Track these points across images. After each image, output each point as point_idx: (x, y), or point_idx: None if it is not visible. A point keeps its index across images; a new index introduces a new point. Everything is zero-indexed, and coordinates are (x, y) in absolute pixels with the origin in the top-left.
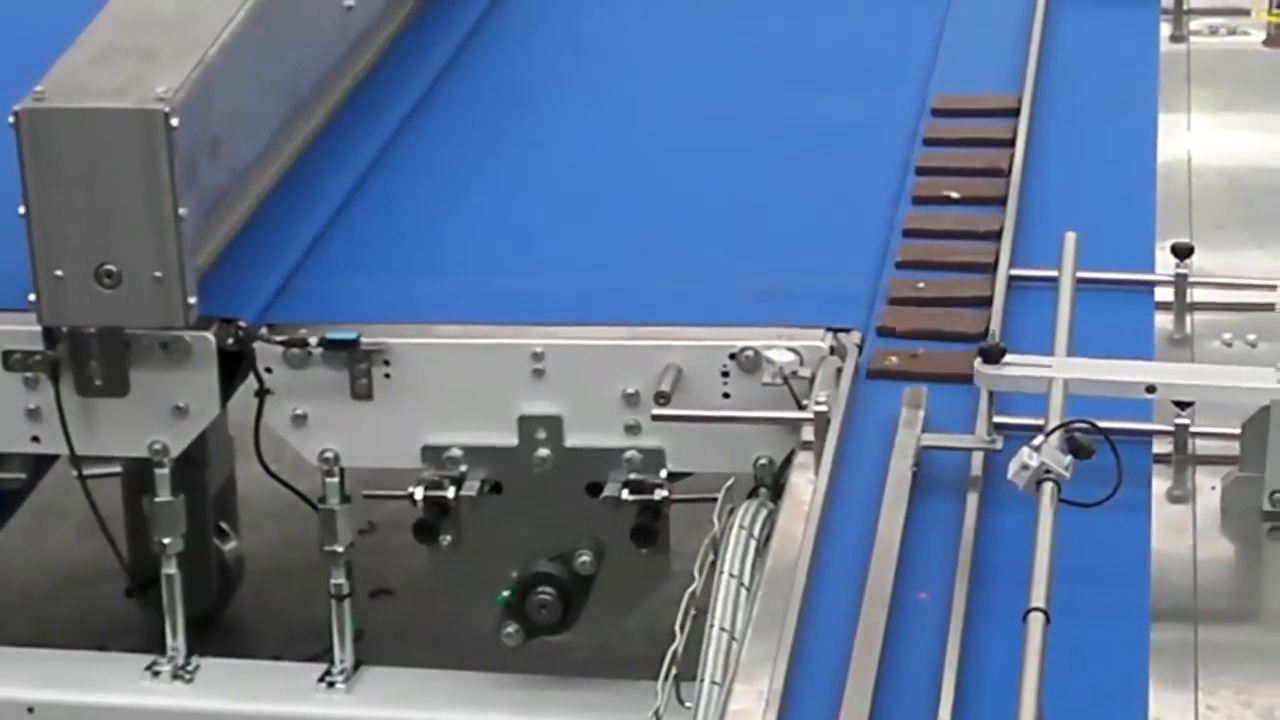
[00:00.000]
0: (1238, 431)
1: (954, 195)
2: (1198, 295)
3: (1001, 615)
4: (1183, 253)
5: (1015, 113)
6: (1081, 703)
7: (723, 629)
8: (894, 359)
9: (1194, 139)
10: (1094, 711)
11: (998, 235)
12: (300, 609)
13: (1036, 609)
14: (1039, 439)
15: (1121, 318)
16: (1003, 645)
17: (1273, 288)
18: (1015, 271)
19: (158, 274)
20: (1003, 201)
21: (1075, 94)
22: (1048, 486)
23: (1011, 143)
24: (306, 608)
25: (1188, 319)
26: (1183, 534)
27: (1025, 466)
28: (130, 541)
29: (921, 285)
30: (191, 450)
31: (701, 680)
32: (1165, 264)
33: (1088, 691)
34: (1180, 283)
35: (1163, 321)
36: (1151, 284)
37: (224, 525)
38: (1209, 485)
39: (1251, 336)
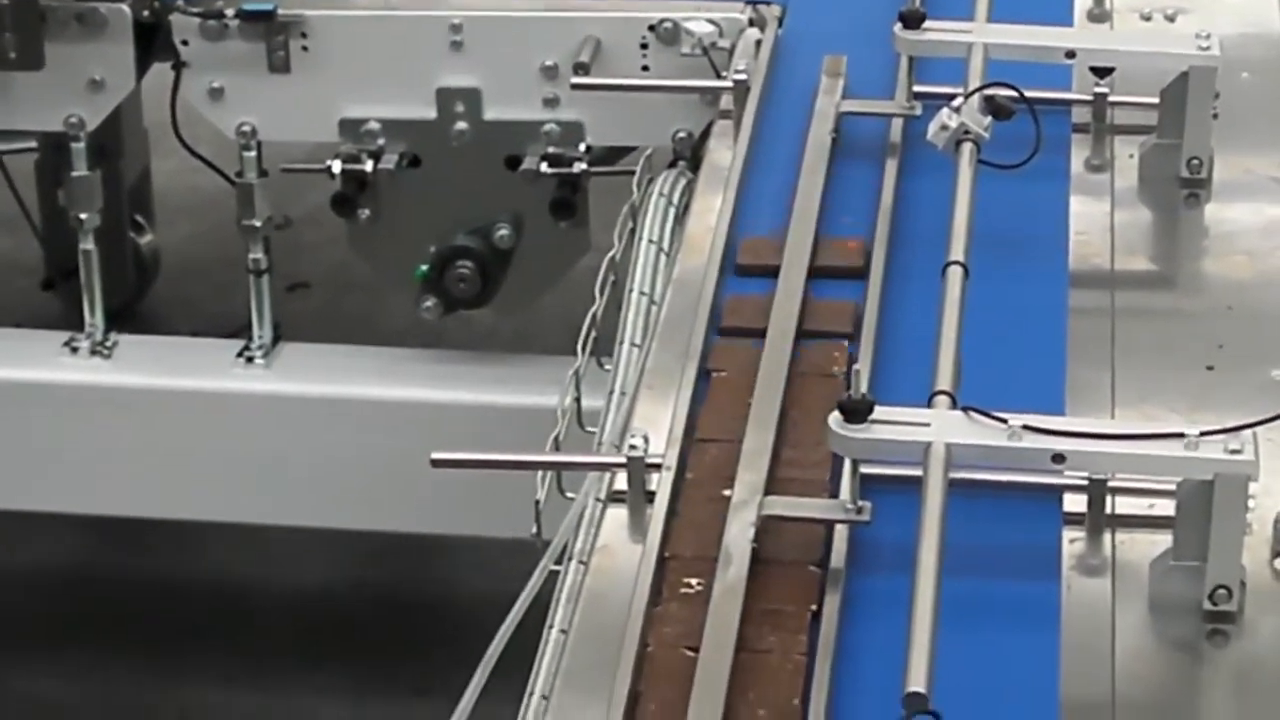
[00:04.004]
0: (1156, 100)
1: None
2: None
3: (920, 276)
4: None
5: None
6: (999, 363)
7: (642, 293)
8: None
9: None
10: (1011, 372)
11: None
12: (217, 301)
13: (955, 262)
14: (958, 100)
15: None
16: (922, 303)
17: None
18: None
19: None
20: None
21: None
22: (967, 147)
23: None
24: (223, 300)
25: None
26: (1101, 201)
27: (944, 127)
28: (46, 235)
29: None
30: (106, 141)
31: (621, 343)
32: None
33: (1006, 352)
34: None
35: None
36: None
37: (140, 218)
38: (1127, 154)
39: (1170, 10)
